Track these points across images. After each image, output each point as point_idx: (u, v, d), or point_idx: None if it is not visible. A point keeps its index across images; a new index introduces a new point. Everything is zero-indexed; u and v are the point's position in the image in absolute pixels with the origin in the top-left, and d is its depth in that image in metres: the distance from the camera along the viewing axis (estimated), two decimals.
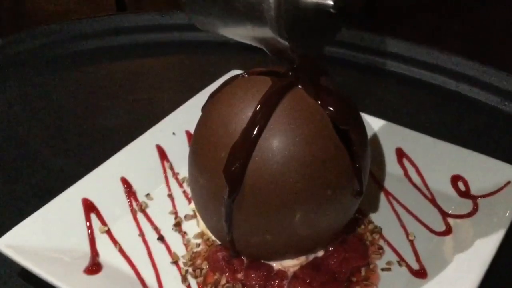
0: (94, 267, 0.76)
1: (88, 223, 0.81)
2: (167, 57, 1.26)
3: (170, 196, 0.88)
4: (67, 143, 1.01)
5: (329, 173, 0.67)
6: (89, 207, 0.82)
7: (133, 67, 1.23)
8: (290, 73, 0.71)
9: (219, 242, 0.78)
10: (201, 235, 0.81)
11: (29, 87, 1.15)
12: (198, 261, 0.77)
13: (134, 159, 0.90)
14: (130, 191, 0.86)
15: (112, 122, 1.06)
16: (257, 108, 0.67)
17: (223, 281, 0.74)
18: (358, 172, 0.70)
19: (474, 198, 0.85)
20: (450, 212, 0.84)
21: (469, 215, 0.83)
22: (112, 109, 1.09)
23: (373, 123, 0.95)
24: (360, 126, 0.73)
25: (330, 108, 0.68)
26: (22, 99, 1.12)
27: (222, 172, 0.68)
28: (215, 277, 0.75)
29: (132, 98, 1.12)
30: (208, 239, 0.80)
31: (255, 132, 0.66)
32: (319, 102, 0.68)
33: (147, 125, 0.95)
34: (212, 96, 0.76)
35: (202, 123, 0.74)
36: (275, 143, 0.66)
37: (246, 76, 0.73)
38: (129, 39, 1.27)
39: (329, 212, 0.69)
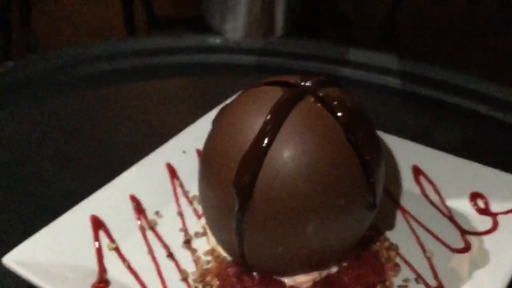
0: (102, 283, 0.74)
1: (96, 240, 0.79)
2: (178, 79, 1.26)
3: (180, 214, 0.86)
4: (77, 163, 1.00)
5: (341, 182, 0.65)
6: (97, 224, 0.81)
7: (143, 89, 1.22)
8: (301, 83, 0.70)
9: (230, 259, 0.76)
10: (211, 252, 0.79)
11: (40, 108, 1.15)
12: (208, 278, 0.75)
13: (144, 177, 0.88)
14: (139, 209, 0.85)
15: (122, 142, 1.05)
16: (267, 118, 0.66)
17: None
18: (371, 183, 0.68)
19: (494, 215, 0.83)
20: (469, 229, 0.82)
21: (489, 232, 0.80)
22: (122, 129, 1.08)
23: (389, 141, 0.93)
24: (373, 137, 0.71)
25: (341, 117, 0.67)
26: (33, 120, 1.11)
27: (232, 184, 0.66)
28: None
29: (143, 119, 1.11)
30: (218, 256, 0.78)
31: (265, 142, 0.65)
32: (330, 111, 0.67)
33: (158, 144, 0.94)
34: (222, 110, 0.75)
35: (212, 135, 0.72)
36: (286, 152, 0.65)
37: (257, 87, 0.72)
38: (140, 62, 1.27)
39: (342, 223, 0.67)
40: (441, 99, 1.16)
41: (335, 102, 0.67)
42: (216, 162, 0.69)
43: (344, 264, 0.74)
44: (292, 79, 0.71)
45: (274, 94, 0.68)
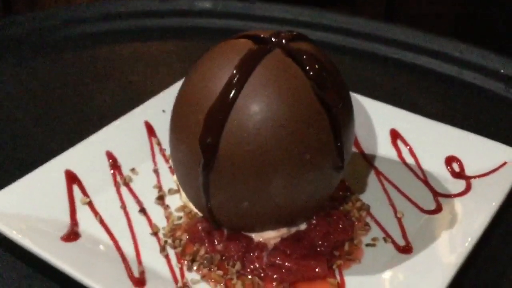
0: (72, 235, 0.74)
1: (69, 194, 0.80)
2: (165, 42, 1.25)
3: (156, 171, 0.86)
4: (58, 121, 1.00)
5: (308, 137, 0.65)
6: (71, 179, 0.81)
7: (129, 51, 1.21)
8: (272, 37, 0.70)
9: (201, 215, 0.76)
10: (183, 208, 0.79)
11: (24, 68, 1.14)
12: (178, 233, 0.76)
13: (121, 134, 0.88)
14: (114, 165, 0.85)
15: (104, 102, 1.05)
16: (234, 70, 0.65)
17: (202, 252, 0.72)
18: (338, 139, 0.67)
19: (468, 179, 0.83)
20: (441, 192, 0.82)
21: (461, 194, 0.80)
22: (105, 89, 1.08)
23: (368, 104, 0.93)
24: (344, 95, 0.71)
25: (310, 71, 0.66)
26: (15, 80, 1.11)
27: (198, 141, 0.66)
28: (194, 248, 0.73)
29: (126, 80, 1.11)
30: (190, 212, 0.78)
31: (231, 94, 0.65)
32: (299, 65, 0.66)
33: (139, 105, 0.94)
34: (195, 62, 0.75)
35: (181, 88, 0.72)
36: (252, 105, 0.64)
37: (229, 40, 0.72)
38: (127, 25, 1.26)
39: (308, 179, 0.67)
40: (424, 67, 1.16)
41: (305, 56, 0.67)
42: (184, 114, 0.69)
43: (314, 221, 0.74)
44: (264, 33, 0.71)
45: (243, 47, 0.68)
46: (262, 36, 0.70)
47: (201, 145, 0.65)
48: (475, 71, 1.11)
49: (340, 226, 0.75)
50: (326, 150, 0.67)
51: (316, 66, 0.67)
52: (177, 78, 0.98)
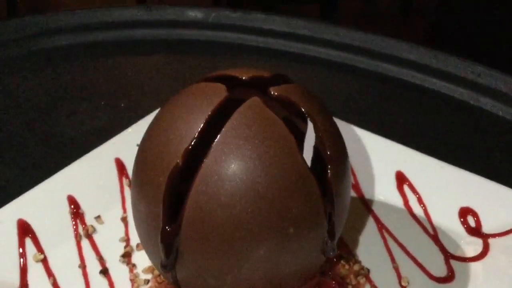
0: None
1: (21, 249, 0.69)
2: (151, 56, 1.13)
3: (124, 219, 0.75)
4: (18, 152, 0.89)
5: (292, 207, 0.54)
6: (24, 230, 0.70)
7: (111, 67, 1.09)
8: (247, 79, 0.58)
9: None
10: (151, 269, 0.68)
11: None
12: None
13: (87, 175, 0.77)
14: (76, 213, 0.74)
15: (75, 130, 0.93)
16: (202, 124, 0.54)
17: None
18: (330, 210, 0.56)
19: (485, 237, 0.71)
20: (454, 253, 0.70)
21: (478, 258, 0.70)
22: (78, 114, 0.97)
23: (370, 141, 0.81)
24: (339, 151, 0.59)
25: (298, 127, 0.54)
26: None
27: (161, 200, 0.55)
28: None
29: (104, 103, 0.99)
30: (159, 275, 0.67)
31: (198, 154, 0.53)
32: (282, 117, 0.55)
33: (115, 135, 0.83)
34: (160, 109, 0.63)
35: (144, 139, 0.61)
36: (225, 168, 0.53)
37: (199, 83, 0.60)
38: (110, 36, 1.14)
39: (291, 256, 0.56)
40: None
41: (291, 107, 0.55)
42: (145, 171, 0.58)
43: None
44: (240, 73, 0.59)
45: (215, 93, 0.56)
46: (237, 77, 0.58)
47: (161, 236, 0.55)
48: (493, 98, 0.99)
49: None
50: (314, 222, 0.55)
51: (304, 119, 0.55)
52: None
